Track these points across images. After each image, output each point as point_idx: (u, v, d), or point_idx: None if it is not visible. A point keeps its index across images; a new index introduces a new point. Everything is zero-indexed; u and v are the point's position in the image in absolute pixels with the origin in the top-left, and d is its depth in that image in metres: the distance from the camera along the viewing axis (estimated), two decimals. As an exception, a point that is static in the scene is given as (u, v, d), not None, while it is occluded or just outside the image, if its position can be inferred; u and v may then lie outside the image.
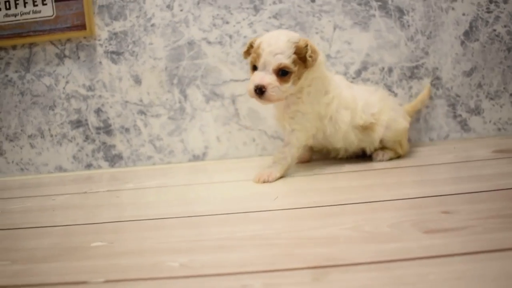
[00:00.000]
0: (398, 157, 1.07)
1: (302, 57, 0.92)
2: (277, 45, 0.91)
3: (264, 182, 0.93)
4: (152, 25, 1.25)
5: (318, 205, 0.74)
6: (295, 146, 0.98)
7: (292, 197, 0.82)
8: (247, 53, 0.97)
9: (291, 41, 0.92)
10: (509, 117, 1.25)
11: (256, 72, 0.92)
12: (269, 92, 0.90)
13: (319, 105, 0.98)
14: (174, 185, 0.99)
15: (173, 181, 1.04)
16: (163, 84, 1.26)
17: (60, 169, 1.30)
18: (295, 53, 0.91)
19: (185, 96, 1.26)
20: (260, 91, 0.89)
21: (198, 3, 1.24)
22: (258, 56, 0.92)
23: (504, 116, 1.25)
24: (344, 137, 1.01)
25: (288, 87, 0.92)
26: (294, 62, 0.91)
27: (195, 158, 1.27)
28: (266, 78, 0.90)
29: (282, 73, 0.91)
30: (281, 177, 0.97)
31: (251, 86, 0.91)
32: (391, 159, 1.06)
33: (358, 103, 1.01)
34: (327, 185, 0.89)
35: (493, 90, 1.24)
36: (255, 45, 0.94)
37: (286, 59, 0.90)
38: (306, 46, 0.92)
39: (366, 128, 1.02)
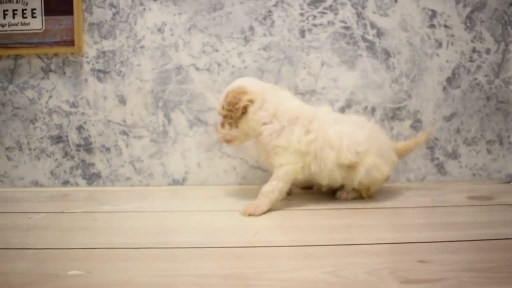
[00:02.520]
0: (361, 198, 1.07)
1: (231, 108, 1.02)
2: (222, 96, 1.06)
3: (250, 215, 0.94)
4: (142, 46, 1.25)
5: (298, 244, 0.74)
6: (283, 180, 0.99)
7: (272, 234, 0.82)
8: None
9: (227, 93, 1.04)
10: (484, 164, 1.28)
11: None
12: (220, 138, 1.07)
13: (299, 143, 0.99)
14: (152, 211, 0.99)
15: (151, 205, 1.03)
16: (148, 106, 1.26)
17: (36, 184, 1.28)
18: (227, 104, 1.02)
19: (169, 120, 1.26)
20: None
21: (189, 29, 1.25)
22: None
23: (479, 162, 1.28)
24: (329, 175, 1.01)
25: (226, 132, 1.04)
26: (226, 111, 1.02)
27: (175, 182, 1.27)
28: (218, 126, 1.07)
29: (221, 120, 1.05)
30: (267, 211, 0.97)
31: None
32: (354, 199, 1.07)
33: (343, 141, 0.99)
34: (307, 222, 0.90)
35: (470, 136, 1.27)
36: None
37: (220, 109, 1.04)
38: (230, 100, 1.02)
39: (350, 167, 1.01)
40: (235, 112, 1.01)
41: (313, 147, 0.99)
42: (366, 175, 1.01)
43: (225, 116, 1.03)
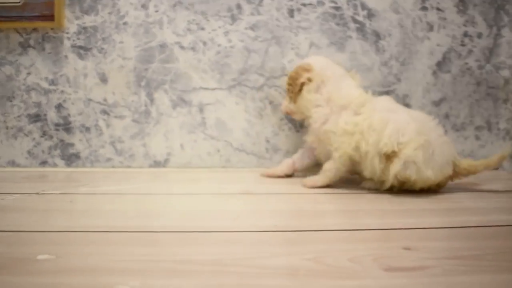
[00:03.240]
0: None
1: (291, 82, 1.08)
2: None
3: (311, 187, 1.02)
4: (125, 23, 1.21)
5: (280, 230, 0.72)
6: (338, 162, 1.00)
7: (253, 218, 0.80)
8: None
9: (295, 67, 1.09)
10: (472, 150, 1.27)
11: None
12: (282, 108, 1.15)
13: (346, 124, 0.98)
14: (131, 193, 0.95)
15: (131, 188, 1.00)
16: (130, 85, 1.22)
17: (13, 163, 1.24)
18: (289, 77, 1.09)
19: (152, 100, 1.22)
20: None
21: (175, 5, 1.20)
22: None
23: (467, 148, 1.26)
24: (370, 163, 0.96)
25: (286, 104, 1.12)
26: (287, 84, 1.09)
27: (156, 164, 1.24)
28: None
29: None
30: (325, 186, 1.03)
31: None
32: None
33: (388, 127, 0.93)
34: (291, 207, 0.88)
35: (459, 122, 1.26)
36: None
37: (285, 84, 1.11)
38: (291, 74, 1.08)
39: (388, 158, 0.93)
40: (293, 87, 1.07)
41: (359, 128, 0.97)
42: (403, 170, 0.92)
43: (287, 89, 1.09)
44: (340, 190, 1.00)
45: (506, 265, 0.59)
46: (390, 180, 0.94)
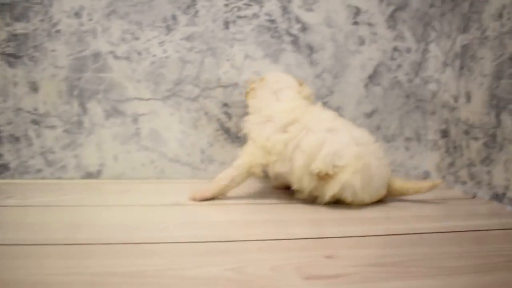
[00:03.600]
0: None
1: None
2: None
3: (200, 200, 0.98)
4: (57, 31, 1.18)
5: (206, 240, 0.72)
6: (237, 170, 0.97)
7: (180, 229, 0.80)
8: None
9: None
10: (402, 160, 1.31)
11: None
12: None
13: (266, 140, 0.96)
14: (61, 205, 0.93)
15: (61, 199, 0.98)
16: (62, 95, 1.19)
17: None
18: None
19: (85, 110, 1.20)
20: None
21: (109, 14, 1.19)
22: None
23: (398, 159, 1.31)
24: (298, 180, 0.95)
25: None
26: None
27: (89, 175, 1.21)
28: None
29: None
30: (213, 198, 0.99)
31: None
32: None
33: (322, 150, 0.92)
34: (220, 217, 0.88)
35: (390, 133, 1.30)
36: None
37: None
38: (249, 81, 1.12)
39: (321, 178, 0.93)
40: (244, 95, 1.11)
41: (280, 147, 0.95)
42: (339, 192, 0.93)
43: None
44: (273, 200, 1.01)
45: (425, 271, 0.62)
46: (326, 199, 0.94)
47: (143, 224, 0.82)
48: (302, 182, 0.95)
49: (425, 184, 1.02)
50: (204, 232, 0.77)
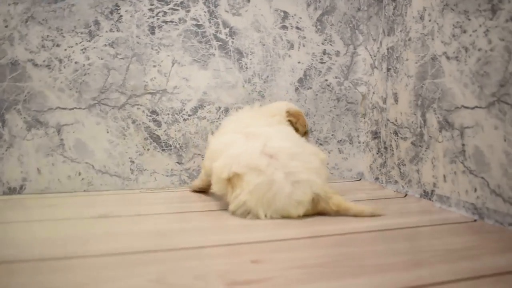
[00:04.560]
0: None
1: None
2: None
3: (192, 190, 1.16)
4: (-30, 39, 1.12)
5: (128, 252, 0.69)
6: (202, 171, 1.10)
7: (103, 242, 0.76)
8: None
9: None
10: (336, 163, 1.32)
11: None
12: None
13: (214, 145, 0.99)
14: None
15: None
16: (-22, 106, 1.12)
17: None
18: None
19: (3, 121, 1.13)
20: None
21: (27, 21, 1.13)
22: None
23: (332, 162, 1.31)
24: (214, 184, 0.93)
25: None
26: None
27: (11, 191, 1.14)
28: None
29: None
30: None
31: None
32: None
33: (226, 151, 0.90)
34: (147, 227, 0.85)
35: (322, 136, 1.30)
36: None
37: None
38: None
39: (229, 182, 0.89)
40: None
41: (209, 152, 1.00)
42: (238, 211, 0.88)
43: None
44: (197, 209, 0.98)
45: (351, 271, 0.61)
46: (231, 207, 0.89)
47: (65, 239, 0.77)
48: (217, 186, 0.92)
49: (367, 209, 0.89)
50: (126, 243, 0.74)
